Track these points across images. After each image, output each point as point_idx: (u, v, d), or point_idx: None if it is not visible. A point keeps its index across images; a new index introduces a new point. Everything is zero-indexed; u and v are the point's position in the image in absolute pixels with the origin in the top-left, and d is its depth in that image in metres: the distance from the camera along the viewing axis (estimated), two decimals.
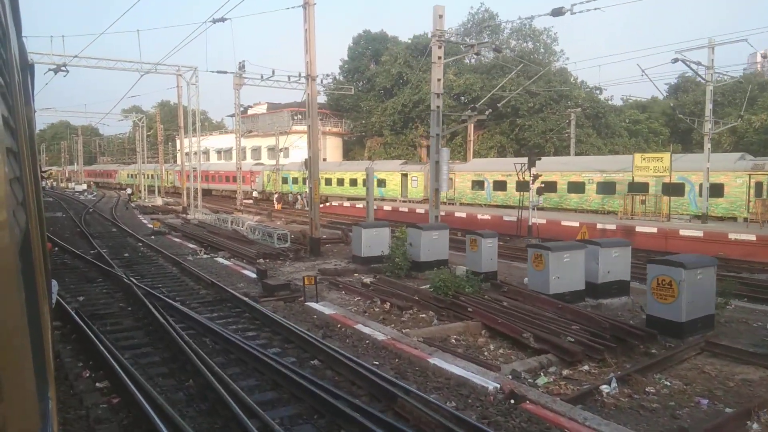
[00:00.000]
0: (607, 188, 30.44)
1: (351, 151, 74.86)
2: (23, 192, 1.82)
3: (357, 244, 17.35)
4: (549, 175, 32.25)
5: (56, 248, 21.50)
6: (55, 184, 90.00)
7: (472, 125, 49.63)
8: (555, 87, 50.95)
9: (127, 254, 20.15)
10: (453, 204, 38.96)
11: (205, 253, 19.62)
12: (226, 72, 34.95)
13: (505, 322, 10.16)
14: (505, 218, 30.26)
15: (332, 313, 11.36)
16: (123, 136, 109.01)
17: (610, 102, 57.67)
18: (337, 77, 68.79)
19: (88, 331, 9.57)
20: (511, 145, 52.34)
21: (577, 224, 26.41)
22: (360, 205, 42.57)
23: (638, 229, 24.69)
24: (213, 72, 57.67)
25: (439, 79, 19.05)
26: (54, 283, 5.05)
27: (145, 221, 33.41)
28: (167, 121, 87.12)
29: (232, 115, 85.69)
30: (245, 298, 12.34)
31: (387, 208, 39.42)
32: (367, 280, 14.80)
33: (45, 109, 57.25)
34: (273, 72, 37.96)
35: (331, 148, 71.11)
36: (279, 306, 12.41)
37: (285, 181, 56.78)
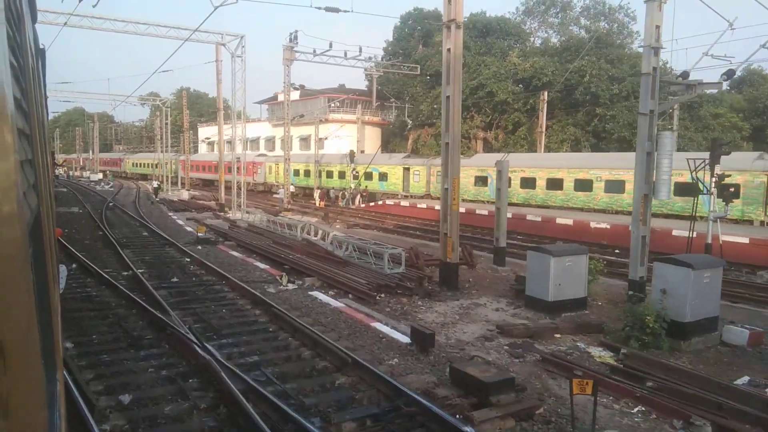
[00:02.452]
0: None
1: (390, 142, 68.62)
2: (35, 175, 1.85)
3: (538, 280, 11.18)
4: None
5: (74, 264, 15.55)
6: (71, 173, 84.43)
7: (544, 114, 43.21)
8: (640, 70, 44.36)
9: (175, 279, 14.11)
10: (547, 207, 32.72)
11: (288, 281, 13.53)
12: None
13: None
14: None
15: None
16: (140, 123, 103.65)
17: None
18: (381, 60, 62.49)
19: None
20: (587, 138, 45.82)
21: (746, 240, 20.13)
22: (423, 205, 36.48)
23: None
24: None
25: (657, 26, 12.78)
26: (62, 268, 5.61)
27: (179, 221, 27.42)
28: (187, 108, 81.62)
29: (262, 102, 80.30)
30: (444, 414, 6.26)
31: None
32: (609, 358, 8.63)
33: (60, 87, 51.46)
34: (330, 45, 31.82)
35: (369, 139, 64.86)
36: None
37: (330, 175, 50.95)
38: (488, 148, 52.60)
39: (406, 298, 12.43)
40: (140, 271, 14.76)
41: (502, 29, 52.55)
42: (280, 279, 13.73)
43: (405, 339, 9.16)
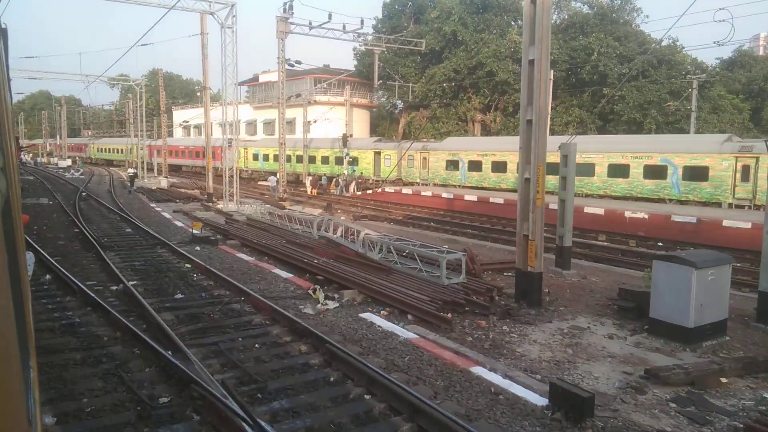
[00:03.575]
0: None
1: (379, 126, 65.58)
2: (3, 158, 1.74)
3: (670, 299, 8.58)
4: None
5: (47, 275, 12.49)
6: (39, 159, 79.31)
7: (549, 95, 40.64)
8: (650, 49, 42.10)
9: (179, 294, 11.16)
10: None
11: (326, 298, 10.71)
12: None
13: None
14: (676, 218, 21.79)
15: None
16: (110, 107, 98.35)
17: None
18: (368, 39, 59.14)
19: None
20: (593, 120, 43.54)
21: None
22: (427, 193, 33.77)
23: None
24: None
25: None
26: (30, 255, 5.77)
27: (166, 214, 24.21)
28: (158, 91, 77.21)
29: (242, 83, 76.08)
30: None
31: (469, 197, 30.38)
32: None
33: (25, 64, 46.94)
34: (330, 16, 28.65)
35: (357, 123, 61.68)
36: None
37: (312, 160, 47.90)
38: (486, 131, 50.07)
39: (483, 318, 9.76)
40: (132, 283, 11.79)
41: (500, 5, 49.74)
42: (314, 294, 10.90)
43: (533, 397, 6.48)
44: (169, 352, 7.64)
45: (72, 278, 11.71)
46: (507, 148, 32.49)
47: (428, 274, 11.76)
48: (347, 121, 54.85)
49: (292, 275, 12.63)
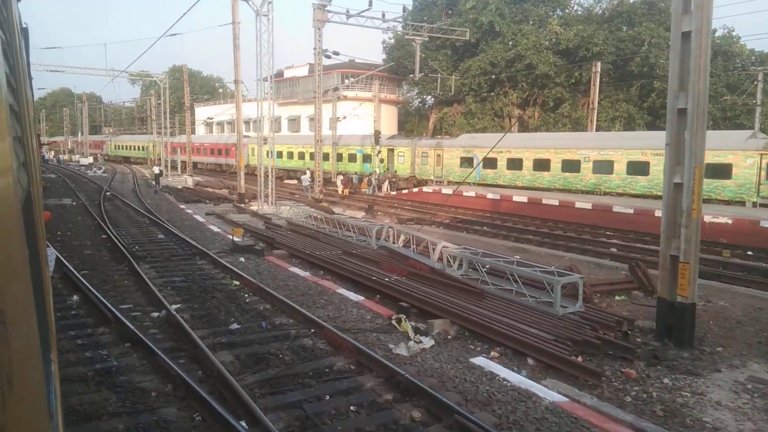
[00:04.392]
0: None
1: (407, 122, 63.38)
2: (25, 153, 1.81)
3: None
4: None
5: (75, 296, 10.61)
6: (61, 156, 78.39)
7: (596, 88, 38.10)
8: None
9: (235, 323, 9.12)
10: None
11: (419, 333, 8.62)
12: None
13: None
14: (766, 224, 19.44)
15: None
16: (131, 104, 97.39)
17: None
18: (398, 32, 56.97)
19: None
20: (641, 116, 40.92)
21: None
22: (470, 193, 31.54)
23: None
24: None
25: None
26: (51, 251, 5.54)
27: (198, 217, 22.32)
28: (179, 88, 75.94)
29: (266, 79, 74.37)
30: None
31: (519, 198, 28.07)
32: None
33: (48, 57, 45.42)
34: (370, 3, 26.55)
35: (385, 119, 59.55)
36: None
37: (340, 158, 45.95)
38: (523, 127, 47.64)
39: (626, 364, 7.61)
40: (176, 306, 9.84)
41: None
42: (399, 325, 8.83)
43: None
44: (243, 423, 5.63)
45: (104, 301, 9.77)
46: (522, 144, 31.93)
47: (534, 300, 9.62)
48: (375, 117, 52.94)
49: (362, 298, 10.55)
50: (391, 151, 40.15)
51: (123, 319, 8.85)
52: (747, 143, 23.33)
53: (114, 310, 9.27)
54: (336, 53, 27.90)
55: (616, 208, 24.06)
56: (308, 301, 10.44)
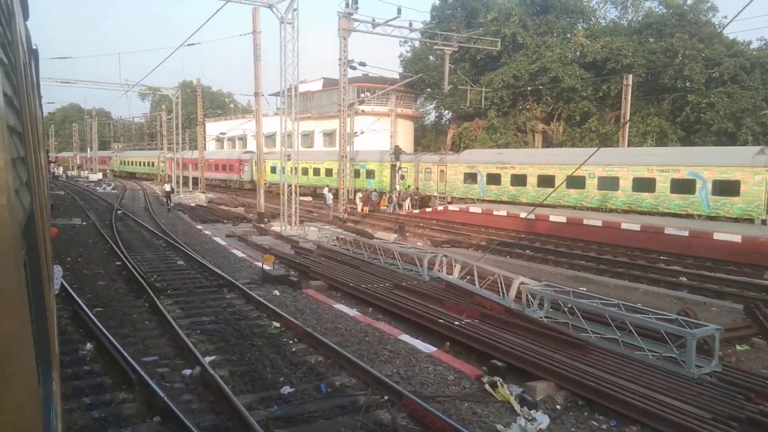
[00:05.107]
0: None
1: (424, 137, 61.78)
2: (28, 173, 1.83)
3: None
4: None
5: (88, 344, 8.88)
6: (69, 172, 77.25)
7: (628, 102, 36.35)
8: (741, 51, 37.72)
9: (286, 386, 7.28)
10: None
11: (523, 404, 6.79)
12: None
13: None
14: None
15: None
16: (140, 120, 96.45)
17: None
18: (426, 41, 55.63)
19: None
20: (674, 131, 39.13)
21: None
22: (501, 212, 29.72)
23: None
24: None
25: None
26: (57, 268, 5.65)
27: (219, 240, 20.58)
28: (189, 103, 74.89)
29: (277, 94, 73.30)
30: None
31: (556, 218, 26.26)
32: None
33: (59, 66, 44.08)
34: (399, 10, 25.05)
35: (401, 133, 58.05)
36: None
37: (357, 174, 44.28)
38: (547, 142, 45.95)
39: None
40: (211, 359, 8.09)
41: (562, 6, 45.77)
42: (493, 391, 7.02)
43: None
44: None
45: (124, 353, 8.02)
46: (526, 161, 31.54)
47: (652, 355, 7.79)
48: (392, 131, 51.36)
49: (433, 348, 8.71)
50: (394, 167, 39.57)
51: (149, 380, 7.09)
52: (755, 159, 22.53)
53: (137, 366, 7.51)
54: (362, 63, 26.37)
55: (668, 230, 22.19)
56: (368, 351, 8.65)
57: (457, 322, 9.47)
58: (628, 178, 26.38)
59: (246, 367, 8.03)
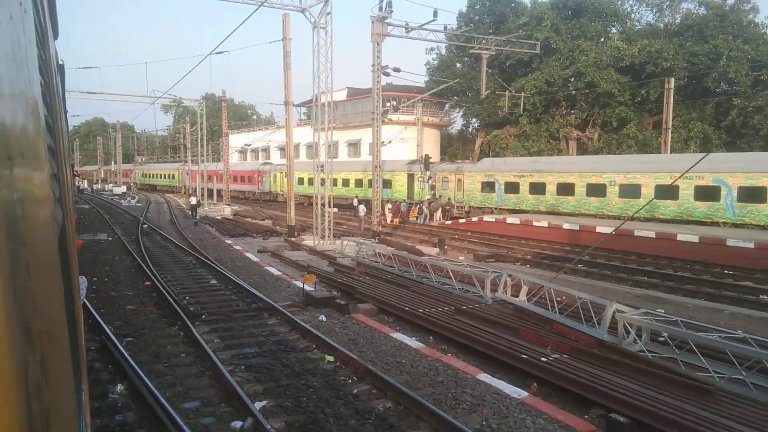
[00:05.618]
0: None
1: (450, 146, 60.45)
2: (60, 189, 1.86)
3: None
4: None
5: (118, 384, 7.68)
6: (94, 186, 77.43)
7: (671, 107, 34.59)
8: None
9: None
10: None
11: None
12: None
13: None
14: None
15: None
16: (163, 133, 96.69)
17: None
18: (442, 52, 54.58)
19: None
20: (718, 136, 37.26)
21: None
22: (542, 223, 28.18)
23: None
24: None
25: None
26: (83, 279, 5.78)
27: (251, 256, 19.44)
28: (212, 116, 74.68)
29: (300, 105, 72.70)
30: None
31: (602, 229, 24.68)
32: None
33: (83, 92, 43.64)
34: (435, 13, 23.88)
35: (427, 143, 56.76)
36: None
37: (388, 184, 43.03)
38: (582, 149, 44.28)
39: None
40: (262, 404, 6.85)
41: (596, 9, 44.24)
42: None
43: None
44: None
45: (160, 398, 6.80)
46: (546, 169, 30.74)
47: None
48: (419, 141, 50.10)
49: (525, 394, 7.33)
50: (411, 176, 38.98)
51: None
52: None
53: (178, 419, 6.28)
54: (397, 69, 25.20)
55: (730, 242, 20.51)
56: (445, 395, 7.31)
57: (543, 358, 8.09)
58: (650, 185, 25.61)
59: (305, 416, 6.75)
